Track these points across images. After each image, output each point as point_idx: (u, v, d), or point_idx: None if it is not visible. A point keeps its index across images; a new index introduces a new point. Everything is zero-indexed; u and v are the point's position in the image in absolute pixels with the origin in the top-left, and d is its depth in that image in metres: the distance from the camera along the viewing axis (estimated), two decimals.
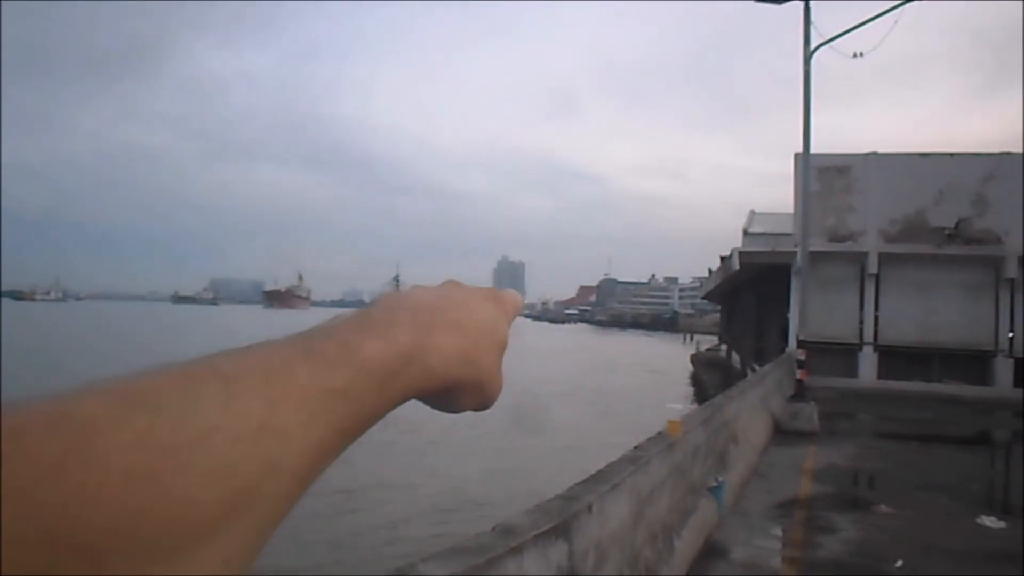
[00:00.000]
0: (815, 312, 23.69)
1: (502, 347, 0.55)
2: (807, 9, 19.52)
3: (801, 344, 18.44)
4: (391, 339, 0.46)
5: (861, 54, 21.18)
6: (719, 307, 63.45)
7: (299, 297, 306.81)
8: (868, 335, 28.45)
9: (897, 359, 27.54)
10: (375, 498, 14.32)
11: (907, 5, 19.89)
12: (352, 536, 12.33)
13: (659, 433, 7.29)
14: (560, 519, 4.16)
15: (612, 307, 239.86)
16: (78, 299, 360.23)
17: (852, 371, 27.65)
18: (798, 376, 17.32)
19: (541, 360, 50.51)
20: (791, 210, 29.56)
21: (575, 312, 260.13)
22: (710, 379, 35.13)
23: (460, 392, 0.52)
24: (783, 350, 25.76)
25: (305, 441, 0.38)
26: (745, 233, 37.37)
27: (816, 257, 24.17)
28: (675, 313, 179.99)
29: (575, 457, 15.93)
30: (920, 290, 27.92)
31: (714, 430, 9.48)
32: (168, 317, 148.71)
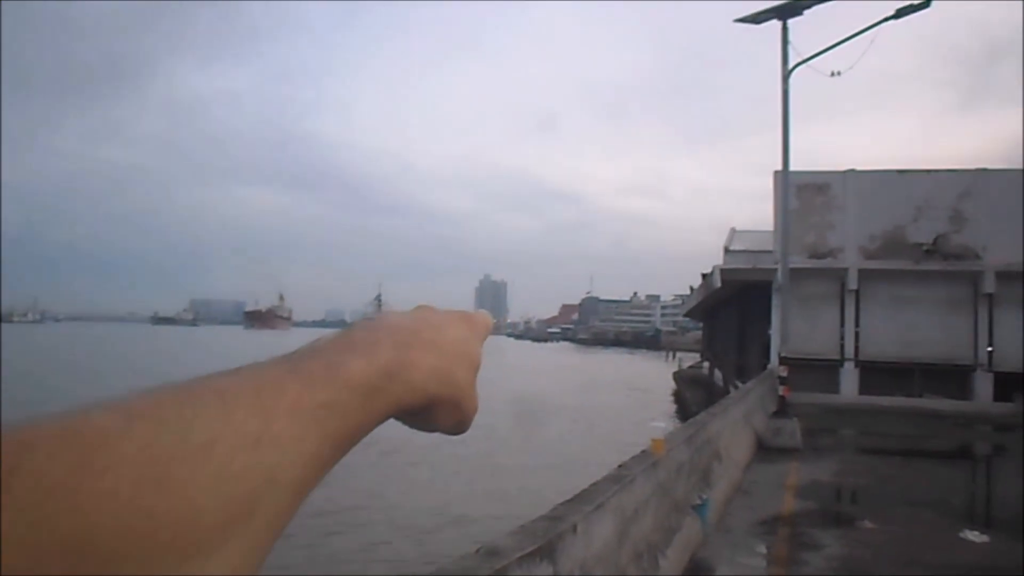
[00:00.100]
0: (796, 328, 23.83)
1: (476, 366, 0.57)
2: (785, 29, 19.75)
3: (783, 360, 18.49)
4: (372, 357, 0.48)
5: (839, 73, 21.45)
6: (701, 324, 63.73)
7: (280, 317, 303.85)
8: (849, 351, 28.63)
9: (878, 374, 27.71)
10: (355, 519, 14.12)
11: (882, 25, 20.20)
12: (331, 559, 12.14)
13: (643, 451, 7.26)
14: (545, 540, 4.12)
15: (594, 325, 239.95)
16: (56, 321, 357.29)
17: (834, 387, 27.78)
18: (780, 392, 17.36)
19: (524, 378, 50.36)
20: (771, 227, 29.78)
21: (557, 330, 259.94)
22: (693, 396, 35.13)
23: (438, 410, 0.53)
24: (765, 367, 25.84)
25: (299, 453, 0.40)
26: (726, 251, 37.56)
27: (797, 274, 24.31)
28: (657, 331, 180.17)
29: (558, 476, 15.86)
30: (900, 305, 28.15)
31: (697, 448, 9.46)
32: (148, 339, 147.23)
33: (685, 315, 73.79)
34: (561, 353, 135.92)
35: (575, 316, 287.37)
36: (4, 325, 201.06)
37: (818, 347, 28.16)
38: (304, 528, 11.79)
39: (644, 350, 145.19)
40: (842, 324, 28.87)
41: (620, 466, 6.56)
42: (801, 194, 28.71)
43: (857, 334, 28.66)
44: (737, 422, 13.76)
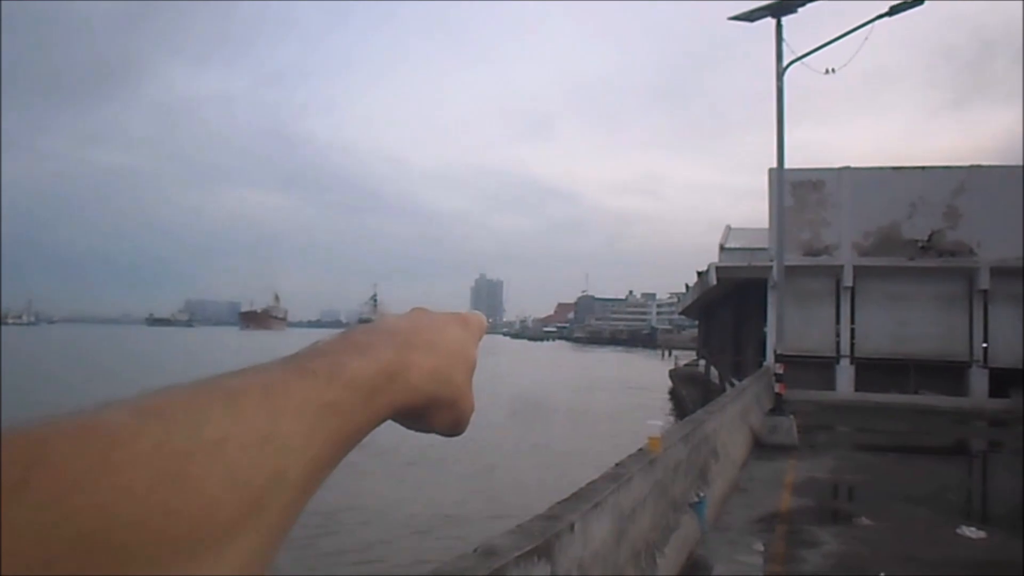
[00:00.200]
0: (792, 326, 23.79)
1: (472, 366, 0.58)
2: (779, 26, 19.71)
3: (779, 358, 18.49)
4: (373, 358, 0.49)
5: (833, 70, 21.39)
6: (697, 322, 63.80)
7: (275, 318, 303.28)
8: (845, 348, 28.64)
9: (874, 371, 27.73)
10: (351, 520, 14.08)
11: (877, 22, 20.21)
12: (327, 560, 12.12)
13: (640, 450, 7.25)
14: (542, 539, 4.10)
15: (590, 324, 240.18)
16: (51, 323, 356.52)
17: (830, 384, 27.80)
18: (776, 390, 17.37)
19: (519, 377, 50.36)
20: (766, 225, 29.77)
21: (553, 329, 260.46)
22: (689, 394, 35.18)
23: (436, 410, 0.54)
24: (761, 364, 25.88)
25: (306, 451, 0.41)
26: (721, 248, 37.58)
27: (792, 271, 24.29)
28: (653, 329, 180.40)
29: (555, 475, 15.86)
30: (895, 302, 28.18)
31: (694, 446, 9.46)
32: (143, 340, 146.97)
33: (681, 313, 73.74)
34: (557, 352, 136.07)
35: (571, 315, 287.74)
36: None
37: (814, 344, 28.18)
38: (298, 528, 11.72)
39: (640, 348, 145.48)
40: (837, 321, 28.88)
41: (617, 464, 6.55)
42: (796, 191, 28.72)
43: (852, 331, 28.66)
44: (734, 420, 13.76)
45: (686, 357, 67.17)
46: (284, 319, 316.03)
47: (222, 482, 0.36)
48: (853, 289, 28.57)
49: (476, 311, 0.65)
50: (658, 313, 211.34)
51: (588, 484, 5.66)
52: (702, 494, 8.93)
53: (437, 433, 0.56)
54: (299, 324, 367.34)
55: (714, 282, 29.94)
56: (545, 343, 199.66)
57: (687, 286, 47.45)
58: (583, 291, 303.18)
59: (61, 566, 0.30)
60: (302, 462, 0.41)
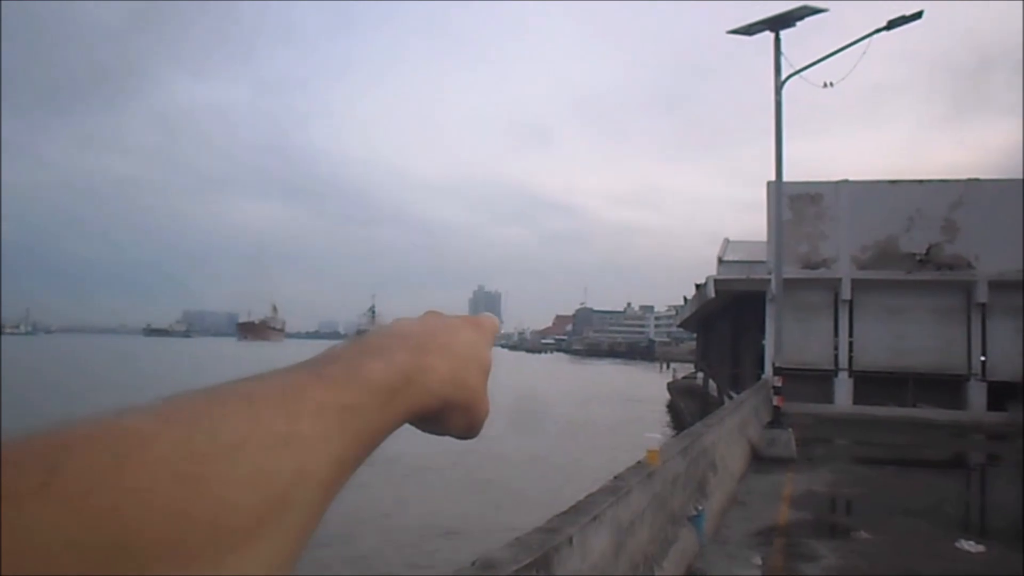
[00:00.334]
0: (790, 339, 23.82)
1: (487, 369, 0.58)
2: (777, 40, 19.81)
3: (777, 371, 18.51)
4: (389, 360, 0.49)
5: (831, 84, 21.47)
6: (695, 335, 63.69)
7: (273, 329, 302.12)
8: (843, 361, 28.64)
9: (872, 384, 27.72)
10: (346, 532, 13.98)
11: (874, 36, 20.30)
12: (323, 572, 12.05)
13: (639, 463, 7.24)
14: (541, 552, 4.09)
15: (588, 336, 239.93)
16: (48, 332, 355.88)
17: (828, 397, 27.79)
18: (775, 403, 17.37)
19: (518, 390, 50.26)
20: (765, 238, 29.83)
21: (552, 341, 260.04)
22: (687, 407, 35.14)
23: (451, 413, 0.54)
24: (759, 377, 25.88)
25: (325, 453, 0.42)
26: (720, 261, 37.65)
27: (790, 284, 24.33)
28: (651, 341, 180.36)
29: (553, 488, 15.83)
30: (893, 315, 28.20)
31: (693, 459, 9.45)
32: (139, 350, 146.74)
33: (679, 326, 73.71)
34: (555, 364, 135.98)
35: (569, 327, 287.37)
36: None
37: (812, 357, 28.19)
38: None
39: (639, 361, 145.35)
40: (836, 334, 28.91)
41: (616, 477, 6.54)
42: (794, 204, 28.78)
43: (851, 344, 28.68)
44: (732, 433, 13.75)
45: (684, 370, 67.23)
46: (282, 330, 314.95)
47: (242, 484, 0.37)
48: (851, 302, 28.61)
49: (489, 314, 0.65)
50: (656, 325, 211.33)
51: (587, 497, 5.65)
52: (700, 507, 8.91)
53: (452, 436, 0.56)
54: (297, 335, 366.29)
55: (712, 295, 29.96)
56: (543, 355, 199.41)
57: (685, 299, 47.46)
58: (581, 303, 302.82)
59: (83, 568, 0.31)
60: (322, 464, 0.41)
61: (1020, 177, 27.59)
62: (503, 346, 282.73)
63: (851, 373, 28.36)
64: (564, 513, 5.08)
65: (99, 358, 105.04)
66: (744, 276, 30.69)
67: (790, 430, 16.30)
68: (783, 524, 10.50)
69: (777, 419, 16.88)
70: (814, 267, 29.42)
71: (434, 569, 12.02)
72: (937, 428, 23.19)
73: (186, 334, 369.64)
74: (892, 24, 20.21)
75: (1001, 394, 26.02)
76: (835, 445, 19.16)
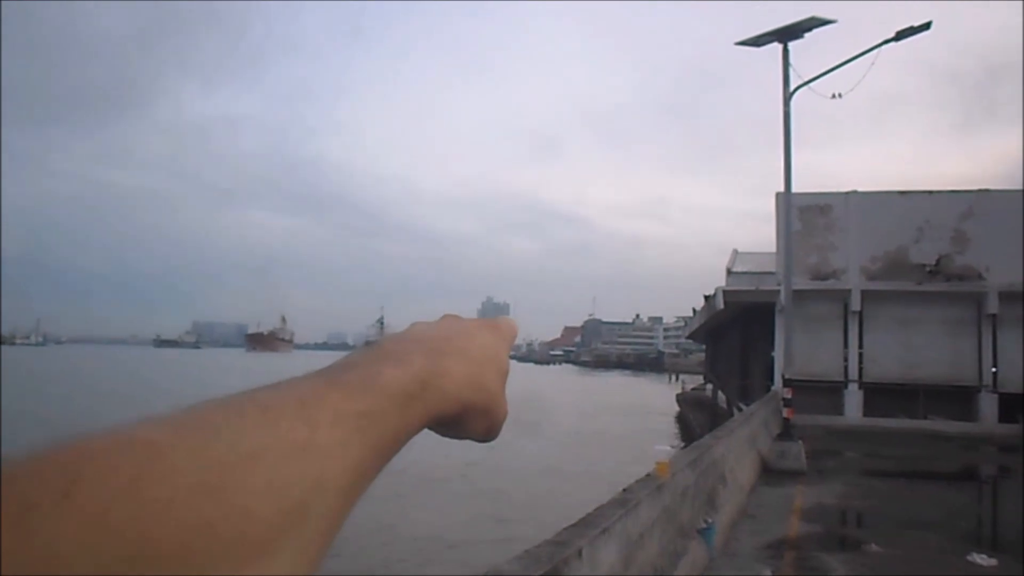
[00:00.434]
0: (800, 350, 23.76)
1: (505, 373, 0.59)
2: (785, 51, 19.84)
3: (786, 382, 18.44)
4: (406, 366, 0.49)
5: (840, 95, 21.47)
6: (704, 346, 63.64)
7: (282, 340, 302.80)
8: (853, 372, 28.56)
9: (882, 396, 27.61)
10: (352, 544, 13.92)
11: (883, 47, 20.29)
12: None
13: (648, 475, 7.21)
14: (550, 565, 4.08)
15: (597, 348, 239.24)
16: (58, 343, 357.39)
17: (838, 409, 27.69)
18: (784, 414, 17.29)
19: (528, 400, 50.17)
20: (774, 249, 29.82)
21: (560, 353, 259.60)
22: (696, 418, 35.03)
23: (469, 417, 0.54)
24: (768, 388, 25.77)
25: (344, 460, 0.42)
26: (729, 272, 37.55)
27: (800, 295, 24.28)
28: (660, 353, 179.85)
29: (562, 500, 15.77)
30: (903, 327, 28.12)
31: (702, 471, 9.41)
32: (149, 361, 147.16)
33: (688, 337, 73.71)
34: (564, 375, 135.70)
35: (578, 338, 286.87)
36: (5, 348, 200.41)
37: (822, 369, 28.11)
38: None
39: (647, 372, 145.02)
40: (845, 345, 28.85)
41: (625, 490, 6.51)
42: (803, 215, 28.76)
43: (861, 355, 28.62)
44: (742, 445, 13.69)
45: (693, 381, 66.96)
46: (291, 341, 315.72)
47: (261, 492, 0.37)
48: (861, 313, 28.55)
49: (507, 316, 0.65)
50: (665, 337, 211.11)
51: (596, 509, 5.62)
52: (710, 520, 8.87)
53: (471, 439, 0.56)
54: (306, 346, 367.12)
55: (721, 306, 29.91)
56: (552, 366, 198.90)
57: (694, 310, 47.50)
58: (590, 314, 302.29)
59: None
60: (341, 471, 0.41)
61: None
62: (512, 357, 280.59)
63: (861, 385, 28.27)
64: (573, 525, 5.06)
65: (109, 369, 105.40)
66: (753, 287, 30.66)
67: (800, 442, 16.22)
68: (793, 537, 10.44)
69: (787, 431, 16.80)
70: (823, 278, 29.38)
71: None
72: (948, 440, 23.04)
73: (195, 345, 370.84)
74: (900, 35, 20.19)
75: (1012, 406, 25.88)
76: (845, 457, 19.06)
